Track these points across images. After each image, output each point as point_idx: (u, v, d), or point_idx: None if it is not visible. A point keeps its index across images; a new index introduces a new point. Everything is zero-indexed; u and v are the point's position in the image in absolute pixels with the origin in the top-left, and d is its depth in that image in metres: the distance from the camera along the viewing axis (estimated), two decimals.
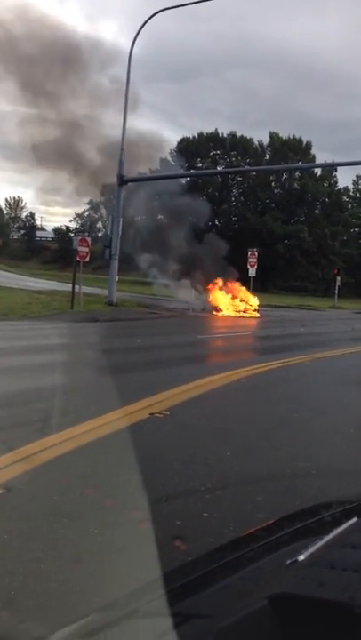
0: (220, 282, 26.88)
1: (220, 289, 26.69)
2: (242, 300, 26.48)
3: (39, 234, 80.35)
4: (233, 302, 26.32)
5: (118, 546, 3.13)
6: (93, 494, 3.84)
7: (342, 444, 5.57)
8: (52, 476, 4.08)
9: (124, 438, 5.08)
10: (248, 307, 26.17)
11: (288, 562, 1.18)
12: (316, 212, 60.61)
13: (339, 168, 52.45)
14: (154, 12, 21.41)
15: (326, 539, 1.31)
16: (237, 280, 27.74)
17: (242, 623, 0.97)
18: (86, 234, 23.04)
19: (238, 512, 3.76)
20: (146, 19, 21.55)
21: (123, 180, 22.98)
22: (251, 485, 4.29)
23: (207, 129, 60.97)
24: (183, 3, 21.67)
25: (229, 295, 26.68)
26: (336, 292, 40.43)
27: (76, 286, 20.62)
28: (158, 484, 4.14)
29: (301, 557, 1.19)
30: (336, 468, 4.91)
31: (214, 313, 25.17)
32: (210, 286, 26.75)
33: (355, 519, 1.47)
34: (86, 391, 7.11)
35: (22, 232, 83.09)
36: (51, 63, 29.02)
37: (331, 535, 1.34)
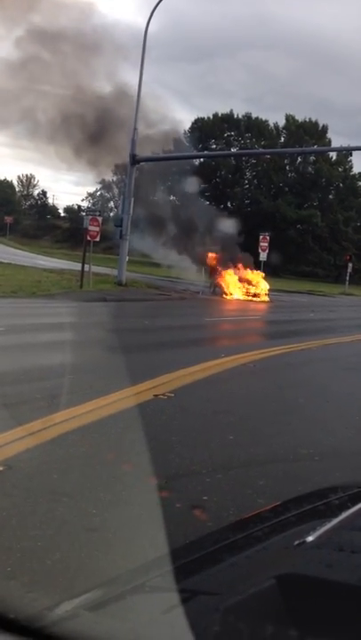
0: (231, 265, 26.71)
1: (232, 272, 26.53)
2: (252, 284, 26.32)
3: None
4: (243, 286, 26.17)
5: (114, 526, 3.12)
6: (92, 474, 3.83)
7: (347, 431, 5.53)
8: (52, 455, 4.06)
9: (126, 419, 5.06)
10: (258, 291, 26.01)
11: (296, 543, 1.17)
12: (330, 197, 59.95)
13: (354, 153, 51.82)
14: None
15: (335, 521, 1.31)
16: (249, 265, 27.57)
17: (249, 602, 0.96)
18: (97, 213, 22.90)
19: (239, 496, 3.74)
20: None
21: (135, 160, 22.79)
22: (253, 470, 4.27)
23: (222, 110, 60.30)
24: None
25: (240, 279, 26.51)
26: (347, 278, 40.16)
27: (86, 266, 20.55)
28: (159, 466, 4.11)
29: (310, 539, 1.18)
30: (340, 455, 4.87)
31: (224, 296, 25.06)
32: (221, 269, 26.59)
33: None
34: (91, 370, 7.09)
35: (34, 210, 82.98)
36: (68, 43, 28.75)
37: (339, 518, 1.34)
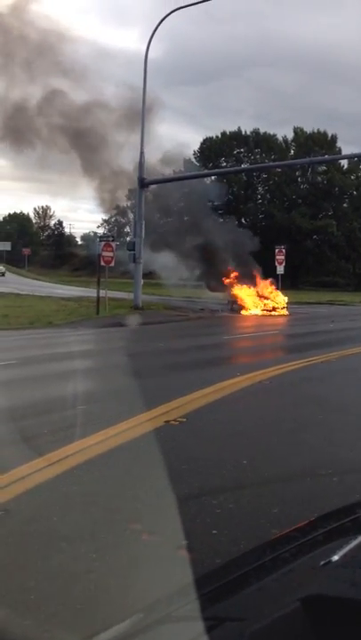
0: (247, 281, 26.52)
1: (248, 288, 26.32)
2: (269, 299, 26.05)
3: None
4: (261, 301, 25.92)
5: (114, 570, 2.92)
6: (94, 514, 3.63)
7: None
8: (53, 494, 3.88)
9: (135, 450, 4.87)
10: (276, 305, 25.73)
11: (322, 562, 1.17)
12: (345, 205, 59.57)
13: None
14: (173, 17, 21.21)
15: (360, 538, 1.29)
16: (265, 278, 27.34)
17: (274, 626, 0.96)
18: (111, 238, 22.95)
19: (251, 528, 3.51)
20: (162, 21, 21.40)
21: (143, 183, 22.87)
22: (267, 497, 4.03)
23: (231, 129, 60.65)
24: (197, 2, 21.48)
25: (257, 294, 26.28)
26: None
27: (102, 291, 20.56)
28: (167, 497, 3.92)
29: (335, 558, 1.17)
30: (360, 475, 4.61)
31: (242, 313, 24.82)
32: (237, 286, 26.40)
33: None
34: (102, 399, 6.92)
35: (51, 240, 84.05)
36: (73, 73, 29.21)
37: None
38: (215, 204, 35.64)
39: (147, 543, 3.27)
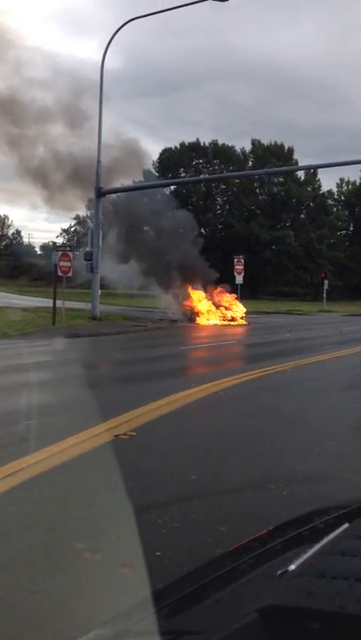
0: (206, 291, 26.54)
1: (207, 298, 26.34)
2: (228, 309, 26.12)
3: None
4: (220, 311, 25.96)
5: (52, 597, 2.73)
6: (31, 539, 3.43)
7: (319, 459, 5.18)
8: None
9: (80, 467, 4.68)
10: (235, 314, 25.80)
11: (279, 572, 1.17)
12: (302, 216, 60.57)
13: (323, 172, 52.62)
14: (133, 30, 21.19)
15: (317, 547, 1.30)
16: (224, 287, 27.40)
17: (232, 638, 0.96)
18: (68, 248, 22.62)
19: (196, 547, 3.36)
20: (122, 33, 21.33)
21: (100, 192, 22.65)
22: (214, 514, 3.89)
23: (190, 140, 61.03)
24: (152, 13, 21.54)
25: (215, 304, 26.31)
26: (324, 295, 40.25)
27: (60, 302, 20.22)
28: (110, 517, 3.75)
29: (292, 567, 1.18)
30: (311, 486, 4.52)
31: (201, 323, 24.79)
32: (196, 296, 26.37)
33: (346, 525, 1.45)
34: (50, 413, 6.67)
35: (9, 250, 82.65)
36: (32, 85, 28.84)
37: (321, 543, 1.32)
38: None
39: (89, 562, 3.10)
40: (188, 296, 26.24)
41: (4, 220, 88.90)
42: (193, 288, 26.23)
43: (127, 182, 29.45)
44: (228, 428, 6.28)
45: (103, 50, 21.97)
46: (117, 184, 27.16)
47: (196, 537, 3.53)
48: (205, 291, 26.51)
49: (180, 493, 4.27)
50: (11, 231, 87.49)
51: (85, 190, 28.48)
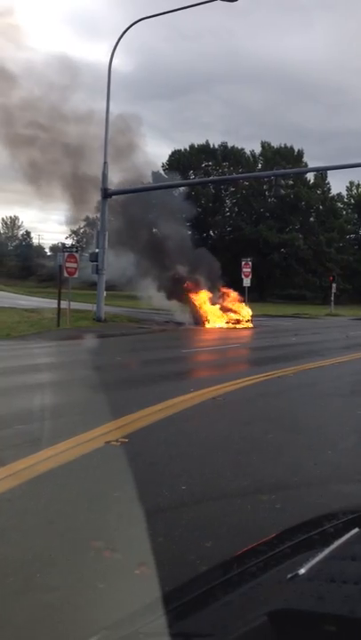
0: (212, 294, 26.34)
1: (213, 301, 26.14)
2: (234, 312, 25.91)
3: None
4: (225, 314, 25.76)
5: (22, 619, 2.57)
6: (9, 552, 3.27)
7: (315, 469, 4.99)
8: None
9: (66, 475, 4.51)
10: (241, 317, 25.59)
11: (289, 576, 1.17)
12: (311, 219, 60.23)
13: (333, 175, 52.31)
14: (144, 33, 21.09)
15: (327, 551, 1.30)
16: (232, 290, 27.21)
17: None
18: (75, 250, 22.53)
19: (178, 566, 3.18)
20: (133, 37, 21.21)
21: (106, 193, 22.55)
22: (201, 528, 3.71)
23: (200, 143, 60.92)
24: (160, 13, 21.40)
25: (222, 307, 26.10)
26: (332, 299, 39.94)
27: (65, 303, 20.12)
28: (94, 530, 3.58)
29: (302, 571, 1.18)
30: (305, 498, 4.33)
31: (206, 326, 24.60)
32: (202, 299, 26.18)
33: (356, 530, 1.44)
34: (44, 417, 6.52)
35: (19, 250, 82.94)
36: (41, 86, 28.81)
37: (331, 547, 1.32)
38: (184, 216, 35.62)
39: (66, 580, 2.94)
40: (193, 299, 26.06)
41: (14, 220, 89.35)
42: (199, 290, 26.05)
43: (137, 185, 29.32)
44: (223, 436, 6.09)
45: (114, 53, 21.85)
46: (126, 186, 27.03)
47: (180, 554, 3.34)
48: (211, 293, 26.31)
49: (168, 505, 4.09)
50: (20, 232, 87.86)
51: (95, 192, 28.36)
